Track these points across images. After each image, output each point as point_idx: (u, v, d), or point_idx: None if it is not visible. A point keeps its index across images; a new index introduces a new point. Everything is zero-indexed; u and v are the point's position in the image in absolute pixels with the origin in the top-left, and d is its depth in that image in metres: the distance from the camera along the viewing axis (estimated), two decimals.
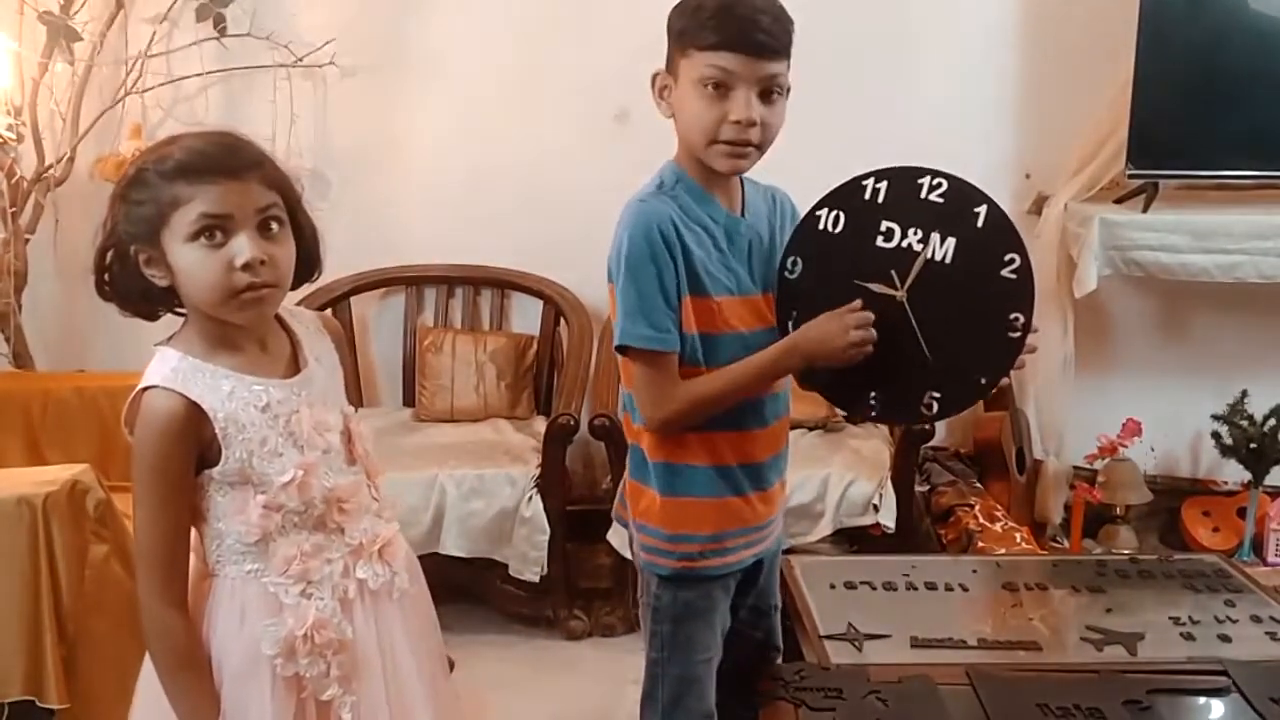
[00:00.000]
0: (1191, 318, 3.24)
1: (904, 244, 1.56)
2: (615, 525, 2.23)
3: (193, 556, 1.41)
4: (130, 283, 1.36)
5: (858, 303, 1.55)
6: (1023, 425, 3.10)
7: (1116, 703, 1.67)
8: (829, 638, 1.90)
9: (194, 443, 1.35)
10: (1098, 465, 3.11)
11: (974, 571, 2.23)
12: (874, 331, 1.54)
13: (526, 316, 3.33)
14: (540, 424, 3.01)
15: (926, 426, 2.71)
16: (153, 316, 1.41)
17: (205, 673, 1.38)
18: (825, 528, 2.76)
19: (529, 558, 2.81)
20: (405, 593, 1.50)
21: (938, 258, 1.55)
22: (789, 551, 2.37)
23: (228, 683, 1.38)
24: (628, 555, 1.86)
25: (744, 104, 1.50)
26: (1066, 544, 3.07)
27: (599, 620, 2.93)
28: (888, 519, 2.74)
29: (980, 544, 2.74)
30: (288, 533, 1.40)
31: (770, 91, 1.52)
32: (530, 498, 2.79)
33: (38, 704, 2.05)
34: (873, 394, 1.60)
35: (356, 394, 3.14)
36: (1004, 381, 1.59)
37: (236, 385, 1.37)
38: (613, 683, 2.60)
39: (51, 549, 2.06)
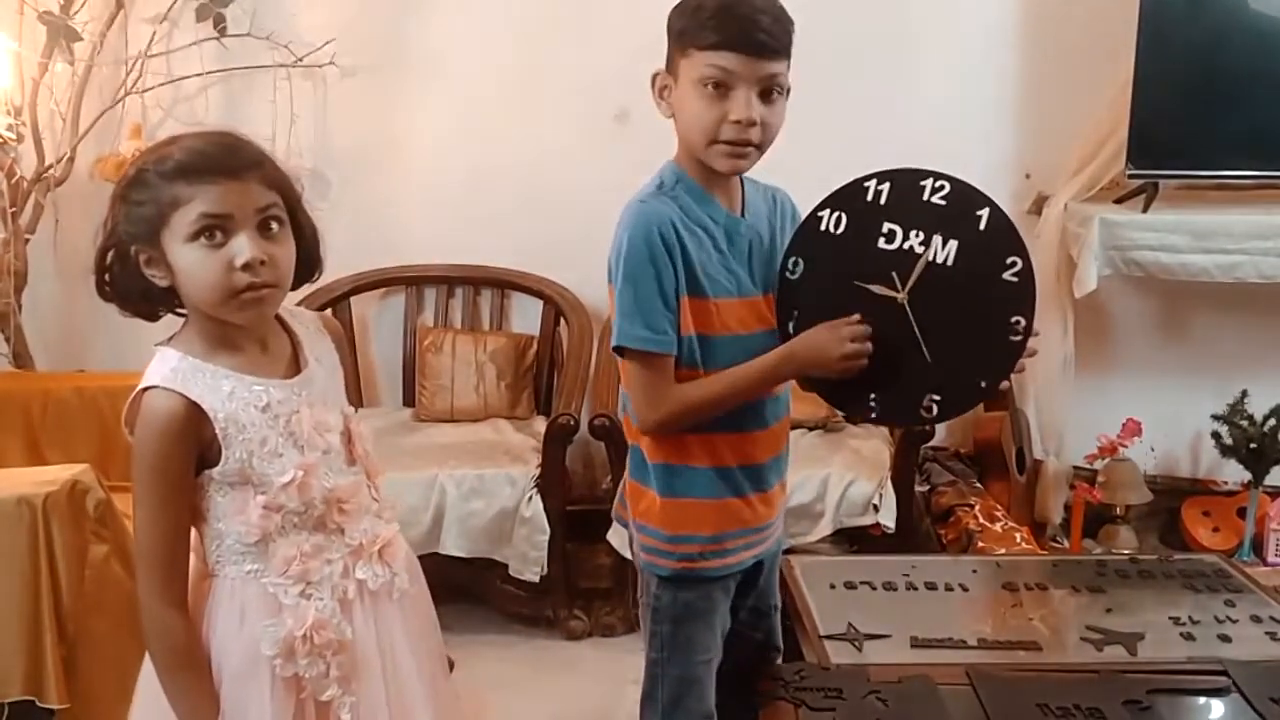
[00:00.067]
0: (1191, 318, 3.24)
1: (905, 246, 1.56)
2: (615, 525, 2.23)
3: (193, 556, 1.41)
4: (131, 283, 1.36)
5: (855, 316, 1.55)
6: (1023, 425, 3.10)
7: (1116, 703, 1.67)
8: (829, 638, 1.89)
9: (194, 443, 1.35)
10: (1098, 465, 3.11)
11: (974, 571, 2.23)
12: (869, 345, 1.54)
13: (526, 316, 3.33)
14: (540, 424, 3.01)
15: (926, 428, 2.71)
16: (153, 317, 1.41)
17: (205, 673, 1.38)
18: (825, 528, 2.76)
19: (529, 558, 2.81)
20: (405, 593, 1.50)
21: (939, 260, 1.55)
22: (789, 551, 2.37)
23: (227, 683, 1.38)
24: (628, 555, 1.86)
25: (744, 104, 1.49)
26: (1066, 544, 3.07)
27: (599, 620, 2.93)
28: (888, 519, 2.74)
29: (980, 544, 2.74)
30: (287, 533, 1.40)
31: (770, 91, 1.52)
32: (530, 498, 2.79)
33: (38, 704, 2.05)
34: (872, 396, 1.60)
35: (356, 394, 3.14)
36: (1004, 385, 1.59)
37: (237, 385, 1.37)
38: (613, 683, 2.60)
39: (51, 549, 2.06)
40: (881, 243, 1.57)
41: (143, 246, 1.33)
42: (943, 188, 1.56)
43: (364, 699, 1.43)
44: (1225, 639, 1.93)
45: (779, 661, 1.84)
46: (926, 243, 1.55)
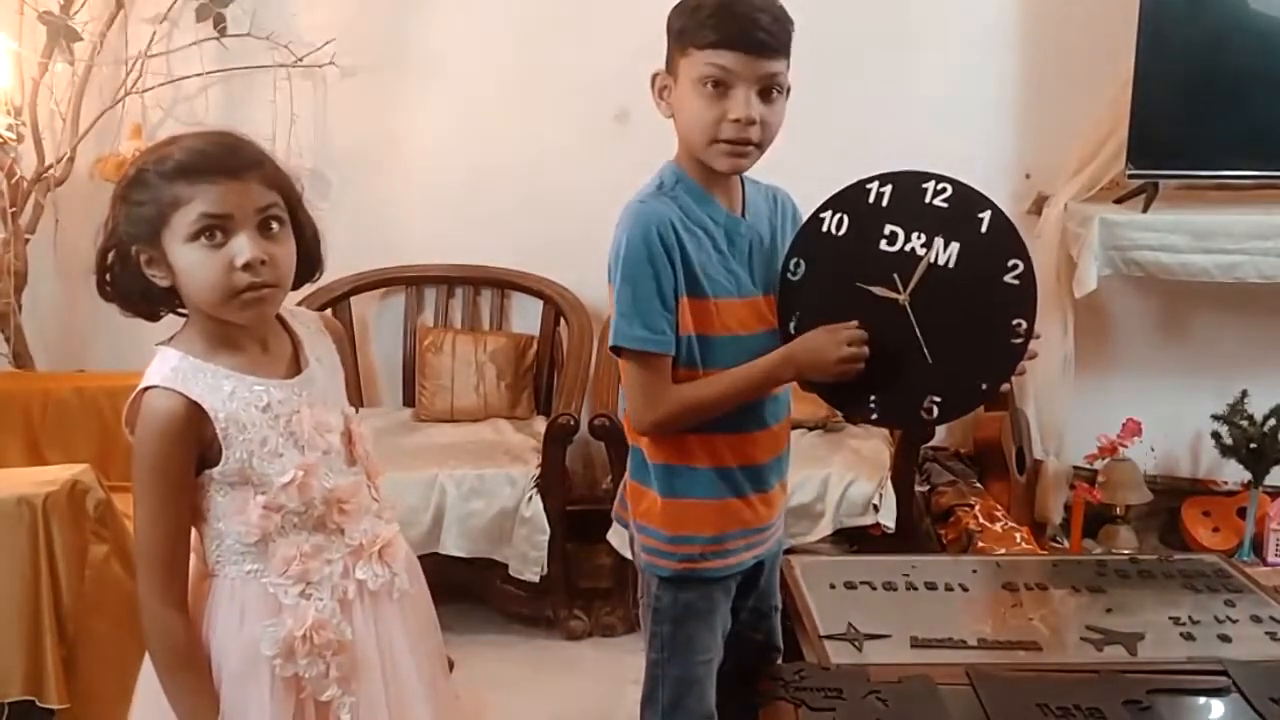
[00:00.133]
0: (1191, 318, 3.24)
1: (907, 248, 1.56)
2: (615, 525, 2.23)
3: (193, 556, 1.41)
4: (131, 283, 1.36)
5: (853, 323, 1.56)
6: (1023, 425, 3.10)
7: (1116, 703, 1.67)
8: (829, 638, 1.89)
9: (194, 443, 1.35)
10: (1098, 465, 3.11)
11: (974, 571, 2.23)
12: (867, 349, 1.55)
13: (526, 316, 3.33)
14: (540, 424, 3.01)
15: (926, 430, 2.71)
16: (154, 317, 1.41)
17: (205, 673, 1.38)
18: (825, 528, 2.76)
19: (529, 558, 2.81)
20: (405, 593, 1.50)
21: (941, 262, 1.55)
22: (789, 551, 2.37)
23: (227, 683, 1.38)
24: (628, 555, 1.86)
25: (743, 102, 1.49)
26: (1066, 544, 3.07)
27: (599, 620, 2.93)
28: (888, 519, 2.74)
29: (980, 544, 2.74)
30: (287, 533, 1.40)
31: (770, 90, 1.52)
32: (530, 498, 2.79)
33: (38, 704, 2.05)
34: (873, 397, 1.60)
35: (357, 394, 3.14)
36: (1004, 387, 1.59)
37: (237, 385, 1.37)
38: (613, 683, 2.60)
39: (51, 549, 2.06)
40: (883, 244, 1.58)
41: (143, 246, 1.33)
42: (944, 190, 1.56)
43: (364, 699, 1.43)
44: (1225, 639, 1.93)
45: (779, 662, 1.84)
46: (928, 245, 1.56)
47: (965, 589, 2.13)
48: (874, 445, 2.96)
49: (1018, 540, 2.75)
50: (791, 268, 1.61)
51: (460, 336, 3.22)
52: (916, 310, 1.56)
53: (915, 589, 2.12)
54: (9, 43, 2.96)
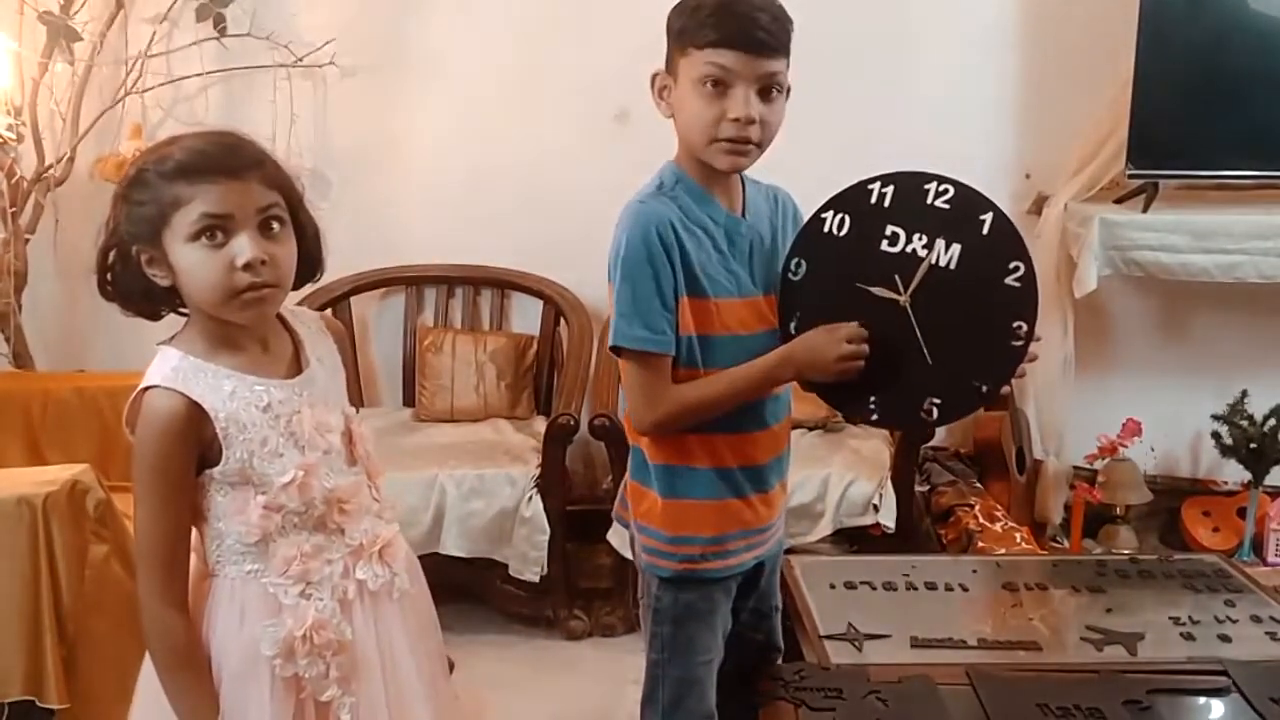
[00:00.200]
0: (1191, 318, 3.24)
1: (908, 249, 1.56)
2: (615, 525, 2.23)
3: (193, 556, 1.42)
4: (132, 283, 1.36)
5: (853, 323, 1.56)
6: (1023, 425, 3.10)
7: (1116, 703, 1.67)
8: (829, 638, 1.90)
9: (195, 442, 1.35)
10: (1098, 465, 3.11)
11: (974, 571, 2.23)
12: (866, 348, 1.55)
13: (526, 316, 3.33)
14: (540, 424, 3.01)
15: (926, 431, 2.71)
16: (155, 316, 1.41)
17: (205, 673, 1.38)
18: (825, 528, 2.76)
19: (529, 558, 2.81)
20: (405, 593, 1.50)
21: (942, 263, 1.55)
22: (789, 551, 2.37)
23: (227, 683, 1.38)
24: (628, 555, 1.86)
25: (743, 102, 1.49)
26: (1066, 544, 3.07)
27: (599, 620, 2.93)
28: (888, 519, 2.74)
29: (980, 544, 2.74)
30: (288, 533, 1.40)
31: (769, 90, 1.52)
32: (530, 498, 2.79)
33: (38, 704, 2.05)
34: (873, 398, 1.60)
35: (357, 394, 3.14)
36: (1004, 389, 1.59)
37: (238, 385, 1.37)
38: (613, 683, 2.60)
39: (51, 549, 2.06)
40: (884, 245, 1.57)
41: (144, 246, 1.33)
42: (946, 191, 1.56)
43: (363, 699, 1.43)
44: (1225, 639, 1.93)
45: (779, 662, 1.84)
46: (929, 246, 1.55)
47: (965, 589, 2.13)
48: (874, 445, 2.96)
49: (1018, 540, 2.75)
50: (792, 268, 1.61)
51: (460, 336, 3.22)
52: (917, 311, 1.56)
53: (915, 589, 2.12)
54: (9, 43, 2.96)
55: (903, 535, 2.77)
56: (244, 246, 1.31)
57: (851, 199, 1.60)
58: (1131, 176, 2.89)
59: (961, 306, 1.55)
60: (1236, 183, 3.04)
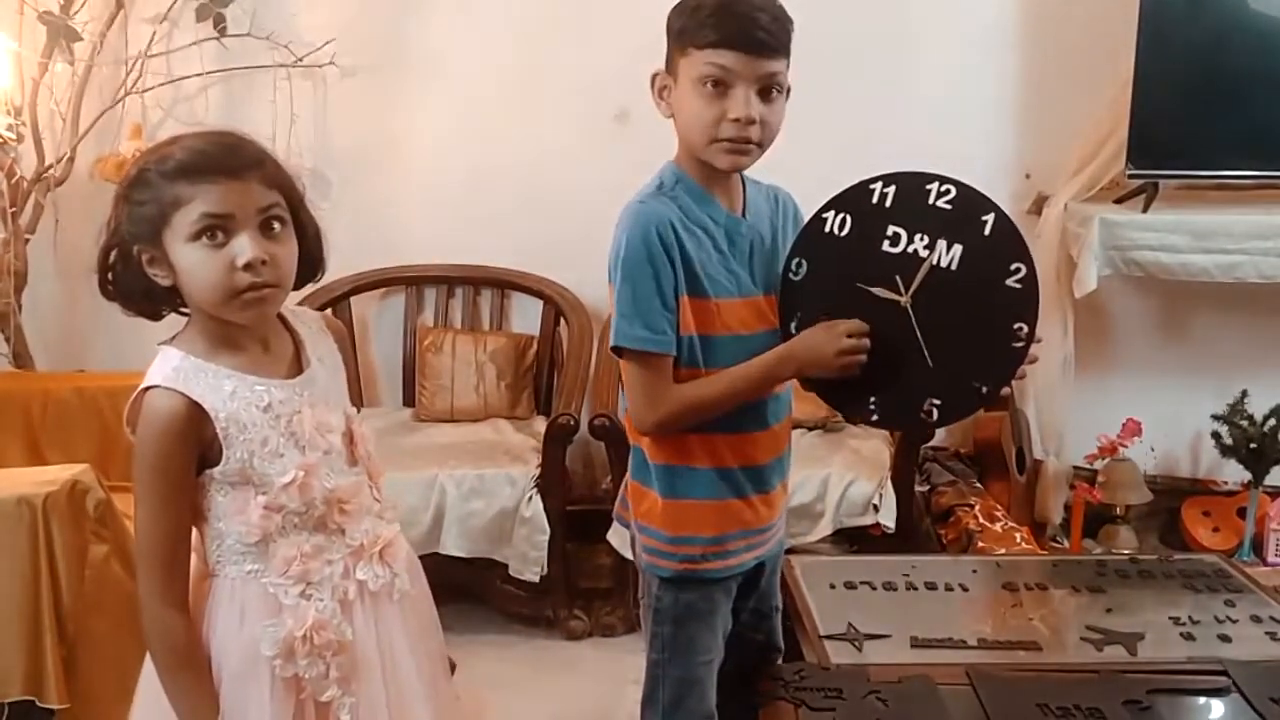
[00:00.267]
0: (1191, 318, 3.24)
1: (910, 249, 1.56)
2: (615, 525, 2.23)
3: (193, 556, 1.41)
4: (133, 282, 1.36)
5: (855, 320, 1.55)
6: (1023, 425, 3.10)
7: (1116, 703, 1.67)
8: (829, 638, 1.90)
9: (195, 442, 1.35)
10: (1098, 465, 3.11)
11: (974, 571, 2.23)
12: (867, 342, 1.55)
13: (526, 316, 3.33)
14: (540, 424, 3.01)
15: (926, 431, 2.71)
16: (156, 316, 1.41)
17: (205, 673, 1.38)
18: (825, 528, 2.76)
19: (529, 558, 2.81)
20: (406, 594, 1.50)
21: (943, 264, 1.55)
22: (789, 551, 2.37)
23: (227, 683, 1.38)
24: (628, 555, 1.86)
25: (743, 102, 1.49)
26: (1066, 544, 3.07)
27: (599, 620, 2.93)
28: (888, 519, 2.74)
29: (980, 544, 2.74)
30: (288, 533, 1.40)
31: (769, 90, 1.52)
32: (530, 498, 2.79)
33: (38, 704, 2.05)
34: (872, 399, 1.60)
35: (357, 394, 3.14)
36: (1004, 390, 1.59)
37: (238, 385, 1.37)
38: (613, 683, 2.60)
39: (51, 549, 2.06)
40: (886, 245, 1.57)
41: (145, 246, 1.33)
42: (948, 192, 1.56)
43: (363, 700, 1.43)
44: (1225, 639, 1.93)
45: (779, 662, 1.84)
46: (931, 247, 1.55)
47: (965, 589, 2.13)
48: (874, 445, 2.96)
49: (1018, 540, 2.75)
50: (793, 268, 1.61)
51: (460, 336, 3.22)
52: (918, 312, 1.56)
53: (915, 589, 2.12)
54: (9, 43, 2.96)
55: (903, 535, 2.77)
56: (244, 246, 1.31)
57: (853, 199, 1.59)
58: (1131, 176, 2.89)
59: (962, 307, 1.55)
60: (1236, 183, 3.04)
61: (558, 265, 3.25)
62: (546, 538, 2.80)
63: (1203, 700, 1.74)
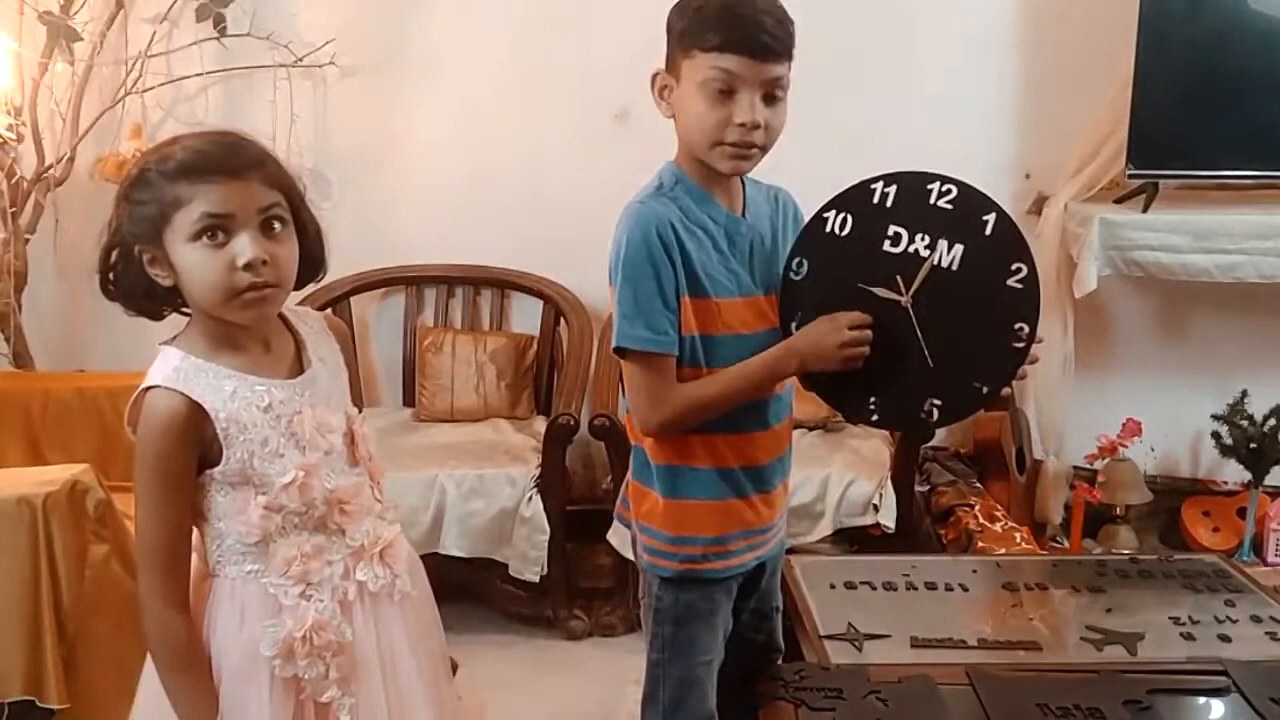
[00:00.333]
0: (1191, 318, 3.24)
1: (911, 249, 1.56)
2: (616, 525, 2.23)
3: (193, 556, 1.41)
4: (134, 282, 1.36)
5: (856, 312, 1.55)
6: (1023, 425, 3.10)
7: (1116, 703, 1.67)
8: (829, 638, 1.90)
9: (195, 442, 1.35)
10: (1098, 465, 3.11)
11: (974, 571, 2.23)
12: (869, 333, 1.54)
13: (526, 316, 3.33)
14: (540, 424, 3.01)
15: (926, 432, 2.71)
16: (157, 316, 1.41)
17: (205, 673, 1.38)
18: (825, 528, 2.76)
19: (529, 558, 2.81)
20: (406, 595, 1.50)
21: (944, 264, 1.55)
22: (789, 552, 2.37)
23: (227, 683, 1.38)
24: (628, 555, 1.86)
25: (748, 107, 1.49)
26: (1066, 544, 3.07)
27: (599, 620, 2.93)
28: (888, 519, 2.75)
29: (980, 544, 2.74)
30: (288, 534, 1.40)
31: (774, 93, 1.51)
32: (530, 498, 2.79)
33: (38, 704, 2.05)
34: (873, 399, 1.60)
35: (357, 394, 3.13)
36: (1005, 391, 1.59)
37: (239, 385, 1.37)
38: (613, 683, 2.60)
39: (51, 549, 2.06)
40: (886, 245, 1.57)
41: (146, 246, 1.33)
42: (949, 191, 1.56)
43: (363, 700, 1.43)
44: (1225, 639, 1.93)
45: (780, 662, 1.84)
46: (932, 246, 1.55)
47: (965, 589, 2.13)
48: (874, 445, 2.96)
49: (1018, 540, 2.75)
50: (794, 267, 1.61)
51: (460, 336, 3.22)
52: (919, 312, 1.55)
53: (915, 589, 2.12)
54: (9, 43, 2.95)
55: (903, 535, 2.77)
56: (245, 246, 1.31)
57: (854, 198, 1.59)
58: (1131, 176, 2.89)
59: (963, 307, 1.55)
60: (1236, 183, 3.04)
61: (558, 265, 3.25)
62: (546, 538, 2.80)
63: (1203, 700, 1.74)
